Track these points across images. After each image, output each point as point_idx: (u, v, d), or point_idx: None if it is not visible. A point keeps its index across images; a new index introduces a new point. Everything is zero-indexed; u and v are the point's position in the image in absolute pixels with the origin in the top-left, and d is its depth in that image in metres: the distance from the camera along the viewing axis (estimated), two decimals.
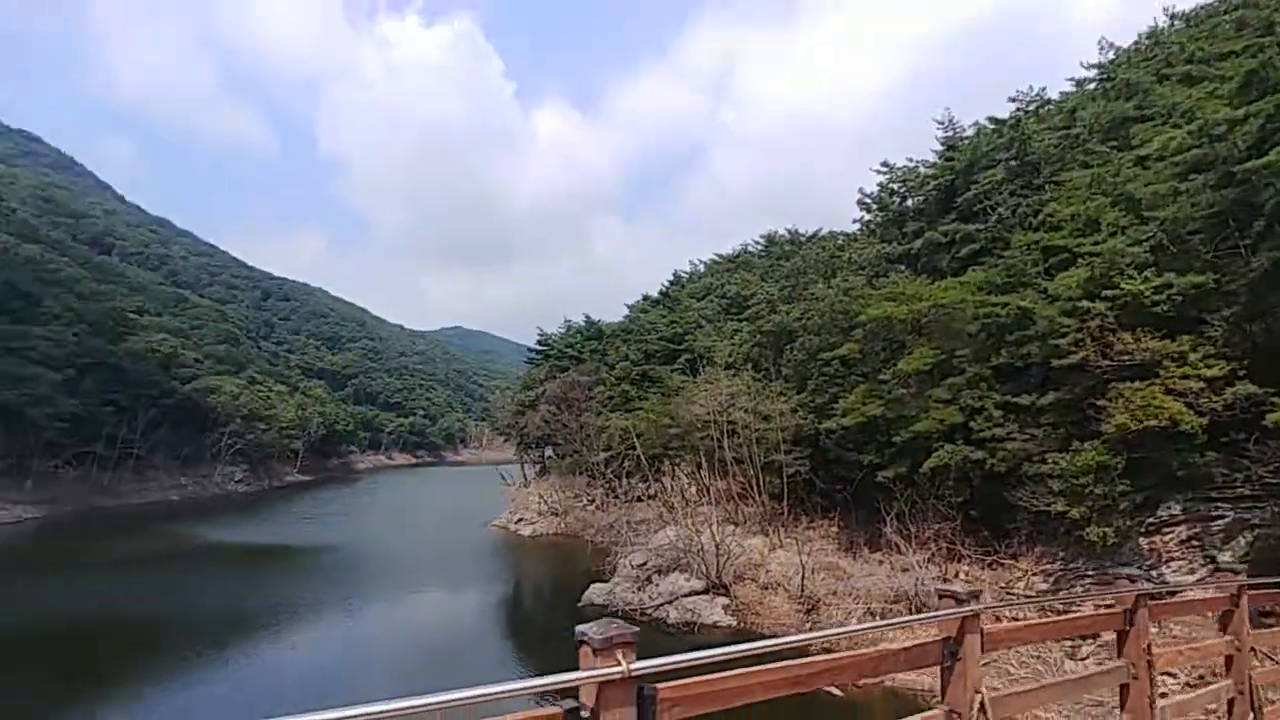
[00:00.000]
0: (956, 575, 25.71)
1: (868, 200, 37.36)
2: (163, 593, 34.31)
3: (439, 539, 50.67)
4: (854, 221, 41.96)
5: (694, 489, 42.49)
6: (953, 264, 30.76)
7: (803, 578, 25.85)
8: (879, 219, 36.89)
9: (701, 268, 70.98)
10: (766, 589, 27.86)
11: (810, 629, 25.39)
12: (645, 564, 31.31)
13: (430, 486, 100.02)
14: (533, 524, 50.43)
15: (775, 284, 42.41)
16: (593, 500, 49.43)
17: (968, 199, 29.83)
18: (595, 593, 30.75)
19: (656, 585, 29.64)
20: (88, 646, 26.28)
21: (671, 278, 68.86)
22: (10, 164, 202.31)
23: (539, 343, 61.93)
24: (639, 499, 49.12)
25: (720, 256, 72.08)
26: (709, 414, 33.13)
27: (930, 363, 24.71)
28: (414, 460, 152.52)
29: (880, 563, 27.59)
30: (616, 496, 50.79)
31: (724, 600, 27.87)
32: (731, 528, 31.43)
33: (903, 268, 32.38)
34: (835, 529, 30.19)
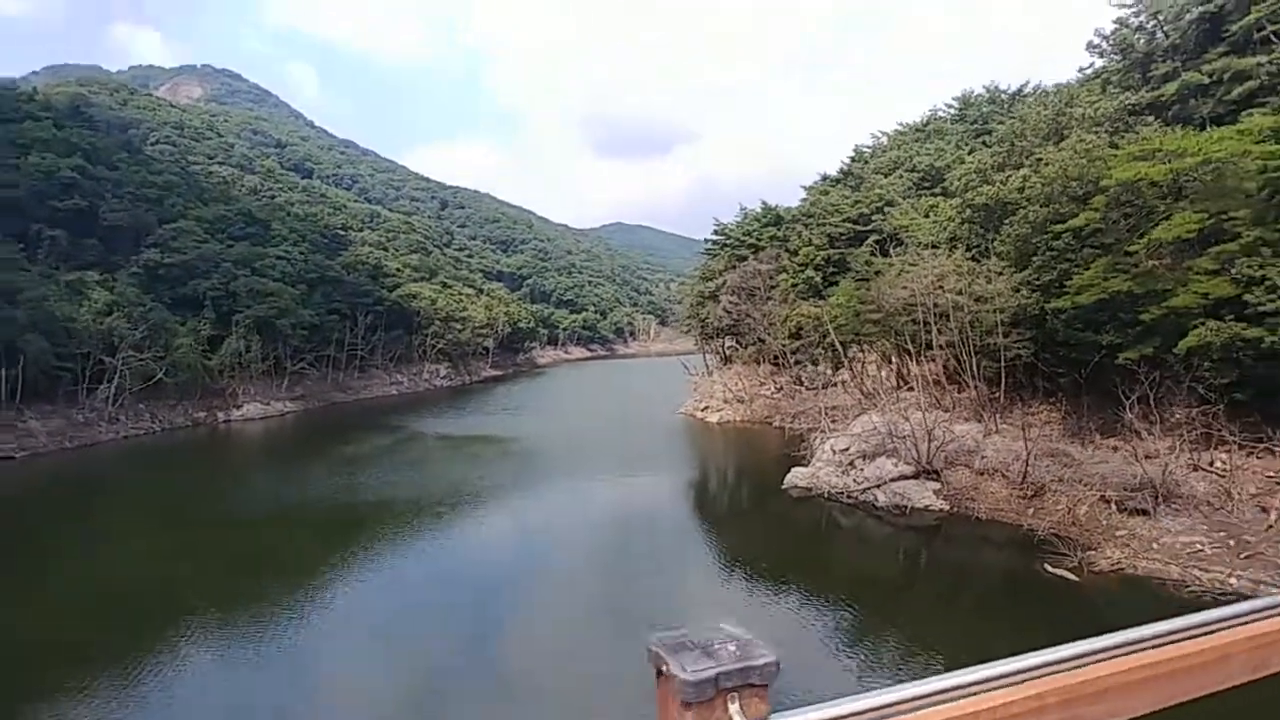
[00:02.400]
0: (1212, 463, 23.42)
1: (1102, 42, 32.22)
2: (402, 475, 38.97)
3: (631, 425, 53.61)
4: (1080, 71, 36.61)
5: (890, 375, 41.38)
6: (1217, 109, 26.21)
7: (1026, 464, 24.70)
8: (1117, 64, 31.80)
9: (885, 140, 65.68)
10: (982, 475, 27.01)
11: (1033, 515, 24.48)
12: (848, 449, 31.34)
13: (609, 377, 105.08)
14: (719, 411, 51.82)
15: (985, 151, 38.41)
16: (780, 388, 49.71)
17: (1244, 25, 24.82)
18: (797, 476, 31.42)
19: (861, 470, 29.70)
20: (351, 520, 31.06)
21: (852, 154, 64.49)
22: (221, 102, 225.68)
23: (715, 232, 61.31)
24: (826, 386, 48.80)
25: (905, 126, 66.12)
26: (913, 297, 31.51)
27: (1194, 229, 21.61)
28: (588, 354, 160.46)
29: (1115, 449, 25.63)
30: (802, 384, 50.76)
31: (934, 485, 27.45)
32: (939, 414, 30.48)
33: (1150, 119, 27.99)
34: (1060, 415, 28.28)
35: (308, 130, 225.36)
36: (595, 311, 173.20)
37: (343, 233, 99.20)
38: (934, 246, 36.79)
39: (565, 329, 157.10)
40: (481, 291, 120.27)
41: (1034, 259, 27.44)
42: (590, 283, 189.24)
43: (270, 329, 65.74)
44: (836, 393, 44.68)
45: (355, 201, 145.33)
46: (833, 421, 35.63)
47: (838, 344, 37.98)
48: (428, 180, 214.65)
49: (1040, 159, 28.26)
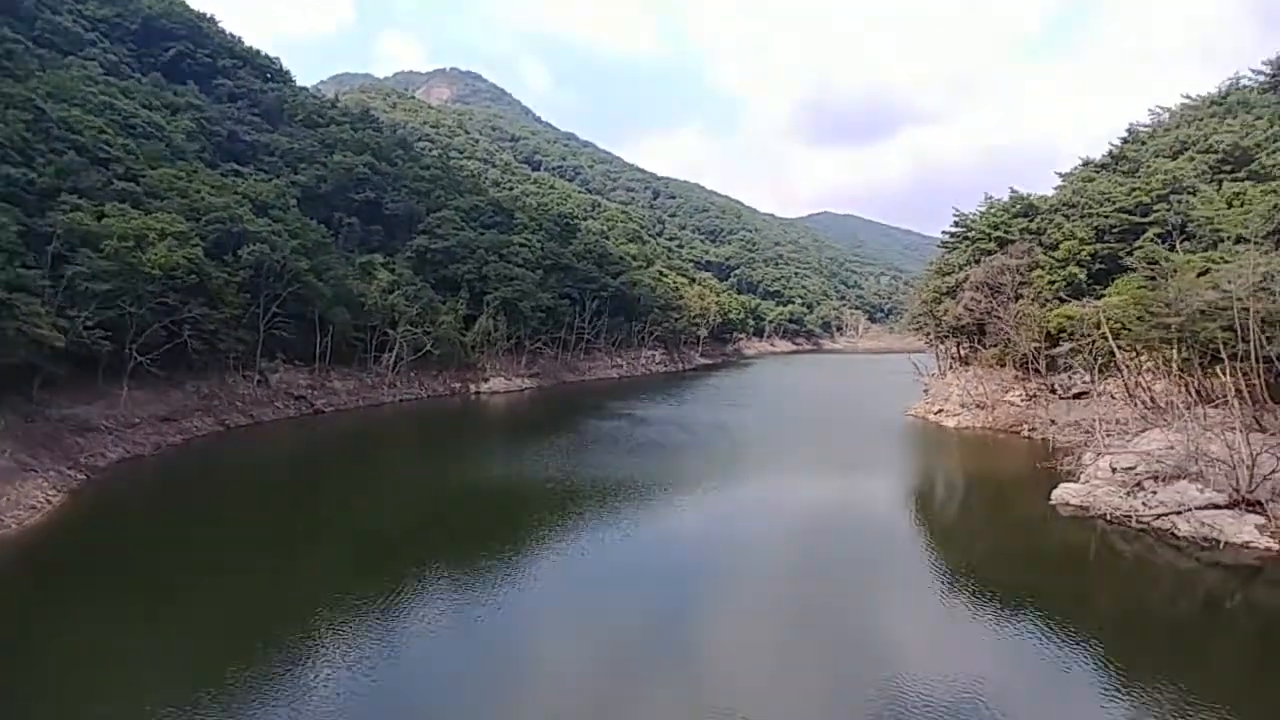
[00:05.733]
0: None
1: None
2: (642, 459, 40.56)
3: (861, 425, 52.03)
4: None
5: (1174, 386, 36.33)
6: None
7: None
8: None
9: (1166, 116, 57.52)
10: None
11: None
12: (1134, 468, 28.09)
13: (822, 373, 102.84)
14: (955, 415, 48.70)
15: None
16: (1030, 395, 45.59)
17: None
18: (1069, 493, 28.71)
19: (1153, 493, 26.44)
20: (586, 495, 33.13)
21: (1124, 134, 57.16)
22: (465, 101, 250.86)
23: (955, 224, 57.30)
24: (1082, 395, 43.98)
25: (1195, 99, 57.42)
26: (1227, 299, 27.37)
27: None
28: (793, 347, 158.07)
29: None
30: (1055, 392, 46.17)
31: (1257, 519, 23.71)
32: (1260, 436, 26.22)
33: None
34: None
35: (536, 125, 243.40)
36: (802, 304, 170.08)
37: (572, 222, 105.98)
38: (1244, 240, 31.66)
39: (772, 321, 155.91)
40: (694, 281, 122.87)
41: None
42: (797, 274, 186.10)
43: (513, 310, 72.25)
44: (1101, 403, 40.08)
45: (579, 192, 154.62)
46: (1107, 436, 32.09)
47: (1115, 349, 33.95)
48: (642, 171, 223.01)
49: None
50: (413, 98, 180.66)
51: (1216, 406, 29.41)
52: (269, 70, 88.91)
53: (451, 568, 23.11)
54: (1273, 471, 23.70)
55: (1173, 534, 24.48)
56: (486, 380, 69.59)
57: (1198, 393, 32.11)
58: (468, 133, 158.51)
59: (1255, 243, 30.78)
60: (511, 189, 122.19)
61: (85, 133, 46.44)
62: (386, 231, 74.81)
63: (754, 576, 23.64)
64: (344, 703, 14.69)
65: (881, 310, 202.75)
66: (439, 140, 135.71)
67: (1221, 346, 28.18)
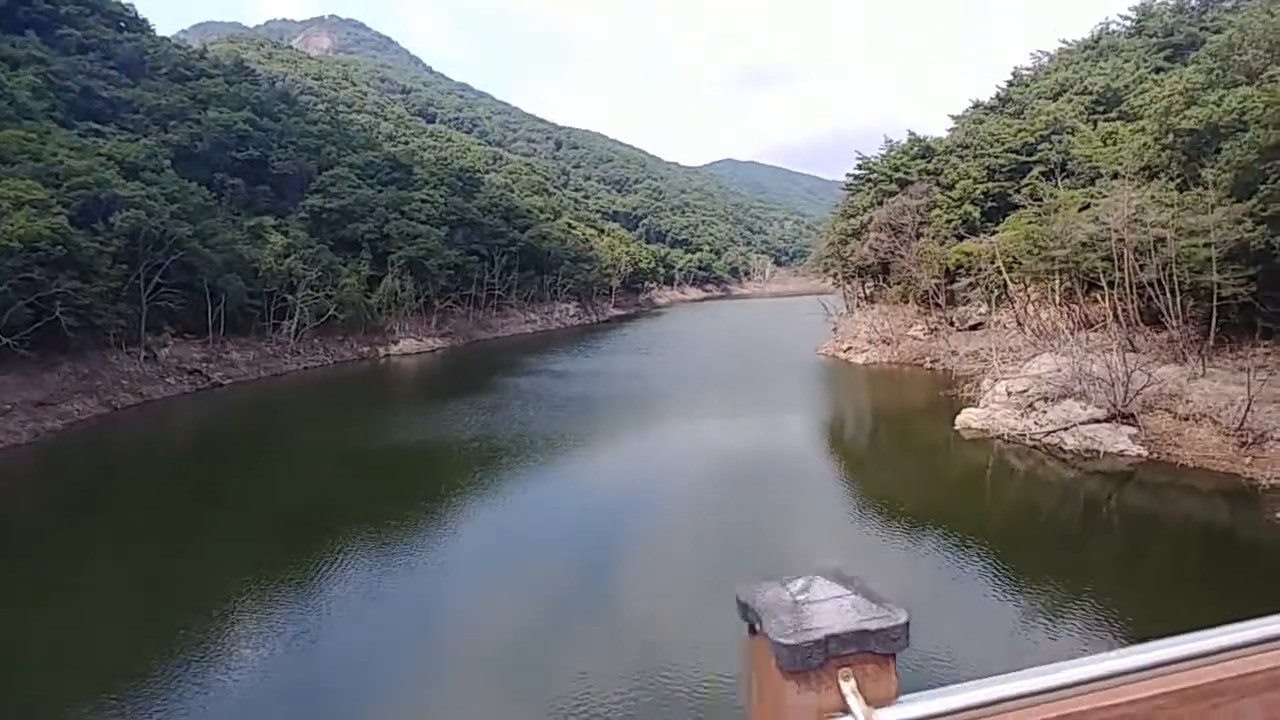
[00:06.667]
0: None
1: None
2: (563, 412, 40.65)
3: (776, 365, 53.50)
4: None
5: (1060, 314, 39.25)
6: None
7: (1246, 409, 23.15)
8: None
9: (1047, 60, 60.62)
10: (1186, 420, 25.55)
11: (1252, 464, 23.04)
12: (1026, 391, 30.36)
13: (734, 317, 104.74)
14: (864, 352, 50.97)
15: (1189, 68, 34.82)
16: (932, 329, 48.18)
17: None
18: (971, 417, 30.81)
19: (1044, 412, 28.74)
20: (493, 451, 33.10)
21: (1010, 77, 59.97)
22: (348, 51, 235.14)
23: (859, 167, 58.95)
24: (977, 326, 46.91)
25: (1071, 44, 60.69)
26: (1105, 231, 29.58)
27: None
28: (703, 294, 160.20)
29: None
30: (953, 325, 49.00)
31: (1130, 430, 26.25)
32: (1132, 355, 28.82)
33: None
34: None
35: (428, 76, 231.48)
36: (710, 251, 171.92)
37: (474, 175, 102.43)
38: (1119, 176, 34.16)
39: (681, 269, 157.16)
40: (603, 232, 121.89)
41: (1262, 188, 25.02)
42: (704, 222, 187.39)
43: (420, 269, 69.72)
44: (995, 333, 42.91)
45: (478, 144, 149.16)
46: (1003, 363, 34.47)
47: (1008, 282, 36.27)
48: (542, 120, 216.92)
49: (1272, 76, 25.39)
50: (290, 48, 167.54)
51: (1096, 330, 32.08)
52: (122, 18, 79.89)
53: (373, 534, 22.40)
54: (1144, 387, 26.15)
55: (1061, 448, 26.83)
56: (396, 342, 67.30)
57: (1080, 319, 34.83)
58: (354, 85, 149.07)
59: (1128, 178, 33.28)
60: (407, 143, 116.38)
61: None
62: (275, 192, 69.95)
63: (678, 515, 24.09)
64: (273, 682, 14.28)
65: (786, 254, 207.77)
66: (324, 93, 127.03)
67: (1101, 275, 30.56)
